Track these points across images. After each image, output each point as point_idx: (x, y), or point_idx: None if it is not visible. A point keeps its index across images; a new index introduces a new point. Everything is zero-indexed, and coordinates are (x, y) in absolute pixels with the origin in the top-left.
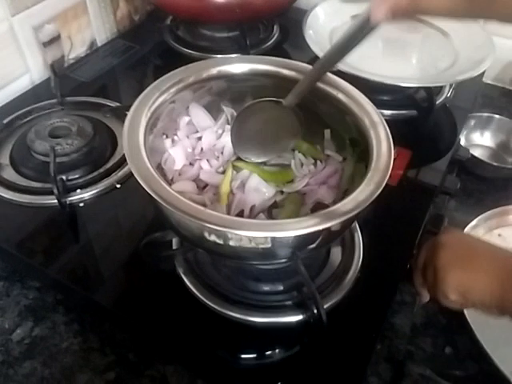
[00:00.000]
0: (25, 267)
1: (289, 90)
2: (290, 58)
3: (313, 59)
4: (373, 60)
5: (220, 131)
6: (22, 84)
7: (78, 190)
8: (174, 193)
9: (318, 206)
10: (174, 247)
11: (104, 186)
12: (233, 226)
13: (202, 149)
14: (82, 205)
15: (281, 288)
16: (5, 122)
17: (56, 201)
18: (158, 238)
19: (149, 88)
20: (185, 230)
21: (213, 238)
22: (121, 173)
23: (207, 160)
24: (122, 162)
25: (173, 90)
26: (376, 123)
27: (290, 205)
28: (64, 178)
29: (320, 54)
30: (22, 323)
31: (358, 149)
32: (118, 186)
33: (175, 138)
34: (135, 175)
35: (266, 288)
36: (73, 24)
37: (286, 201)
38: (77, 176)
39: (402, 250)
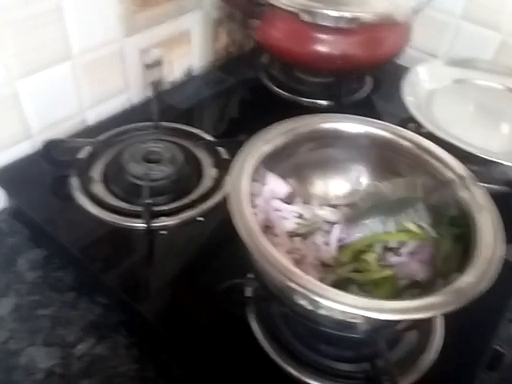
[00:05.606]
0: (94, 281)
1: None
2: (382, 110)
3: (407, 119)
4: (460, 123)
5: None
6: (120, 102)
7: (162, 218)
8: (277, 253)
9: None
10: (248, 294)
11: (187, 217)
12: (338, 301)
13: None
14: (163, 232)
15: (351, 355)
16: (101, 138)
17: (141, 225)
18: (239, 284)
19: (255, 137)
20: (275, 289)
21: (303, 303)
22: (204, 206)
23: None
24: (206, 195)
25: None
26: (482, 207)
27: (386, 285)
28: (151, 201)
29: (417, 114)
30: (85, 339)
31: (456, 228)
32: (200, 219)
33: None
34: (240, 232)
35: (336, 353)
36: (175, 51)
37: (383, 279)
38: (163, 202)
39: (481, 337)
